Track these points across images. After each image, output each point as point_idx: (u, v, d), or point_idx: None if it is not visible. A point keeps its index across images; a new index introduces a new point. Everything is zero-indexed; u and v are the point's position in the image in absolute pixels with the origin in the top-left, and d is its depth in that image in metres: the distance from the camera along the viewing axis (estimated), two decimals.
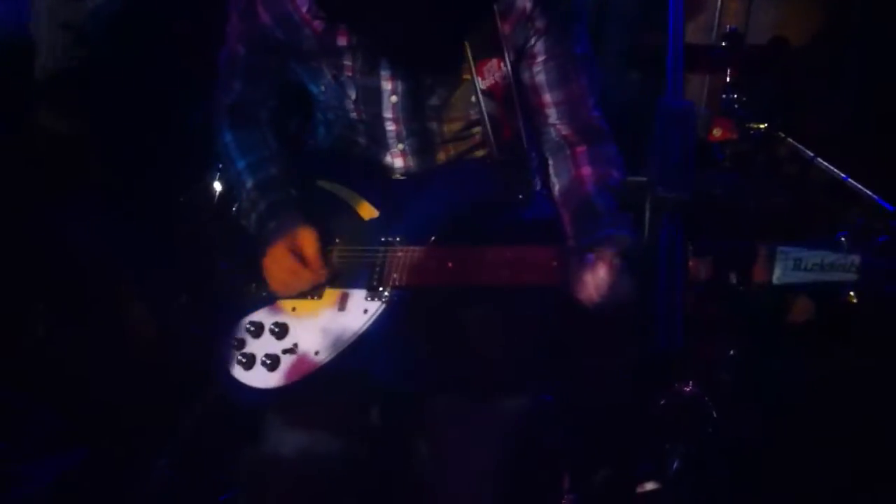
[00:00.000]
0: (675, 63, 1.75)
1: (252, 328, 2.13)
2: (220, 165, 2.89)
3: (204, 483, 2.89)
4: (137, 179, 3.45)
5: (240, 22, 2.20)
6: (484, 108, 2.09)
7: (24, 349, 3.35)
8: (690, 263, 1.81)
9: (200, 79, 2.46)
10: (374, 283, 2.08)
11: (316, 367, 2.06)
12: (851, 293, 1.73)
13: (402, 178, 2.22)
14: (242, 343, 2.14)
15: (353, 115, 2.20)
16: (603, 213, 2.04)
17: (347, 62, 2.12)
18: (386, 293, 2.06)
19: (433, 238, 2.07)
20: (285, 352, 2.09)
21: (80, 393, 3.15)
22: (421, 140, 2.19)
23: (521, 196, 2.11)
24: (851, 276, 1.72)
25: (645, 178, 1.79)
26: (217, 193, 3.07)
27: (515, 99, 2.10)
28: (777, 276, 1.77)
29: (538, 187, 2.24)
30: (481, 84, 2.07)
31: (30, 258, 3.23)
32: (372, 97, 2.15)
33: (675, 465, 3.01)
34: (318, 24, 2.09)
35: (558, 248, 1.97)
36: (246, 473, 2.25)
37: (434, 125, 2.18)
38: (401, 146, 2.20)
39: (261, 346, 2.12)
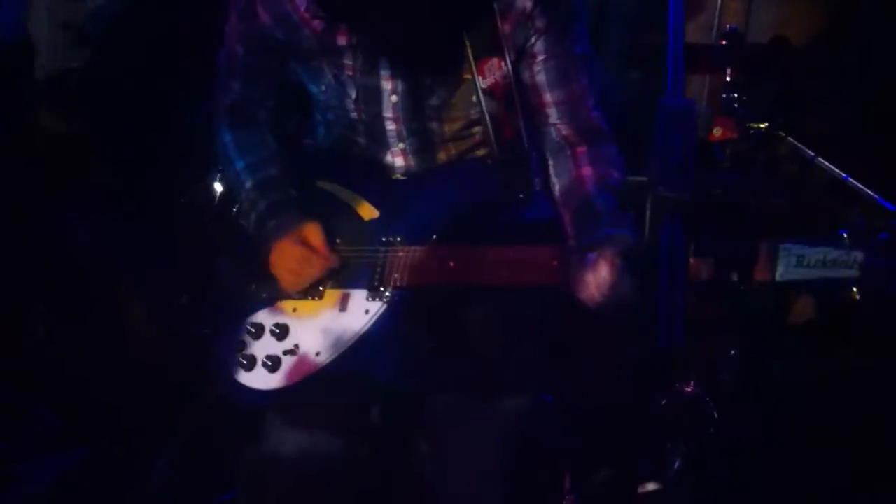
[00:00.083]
0: (675, 63, 1.75)
1: (253, 330, 2.13)
2: (220, 166, 2.89)
3: (204, 483, 2.89)
4: (137, 179, 3.45)
5: (239, 22, 2.20)
6: (484, 108, 2.09)
7: (24, 349, 3.35)
8: (691, 263, 1.81)
9: (200, 79, 2.45)
10: (375, 284, 2.07)
11: (317, 368, 2.06)
12: (854, 289, 1.73)
13: (403, 177, 2.22)
14: (243, 345, 2.13)
15: (354, 114, 2.19)
16: (603, 213, 2.04)
17: (347, 61, 2.12)
18: (387, 293, 2.06)
19: (434, 238, 2.07)
20: (286, 353, 2.09)
21: (80, 393, 3.15)
22: (421, 139, 2.19)
23: (521, 195, 2.10)
24: (854, 273, 1.72)
25: (645, 178, 1.79)
26: (217, 194, 3.07)
27: (516, 98, 2.09)
28: (780, 273, 1.77)
29: (538, 187, 2.24)
30: (482, 83, 2.07)
31: (30, 258, 3.23)
32: (372, 96, 2.14)
33: (676, 465, 3.01)
34: (317, 24, 2.09)
35: (559, 248, 1.97)
36: (246, 473, 2.25)
37: (434, 124, 2.18)
38: (401, 145, 2.20)
39: (262, 348, 2.12)
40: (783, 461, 3.07)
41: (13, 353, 3.27)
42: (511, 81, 2.08)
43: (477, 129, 2.18)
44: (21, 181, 3.26)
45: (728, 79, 3.48)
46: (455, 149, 2.21)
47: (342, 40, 2.09)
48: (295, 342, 2.09)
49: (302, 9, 2.09)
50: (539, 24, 2.08)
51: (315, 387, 2.06)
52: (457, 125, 2.18)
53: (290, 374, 2.08)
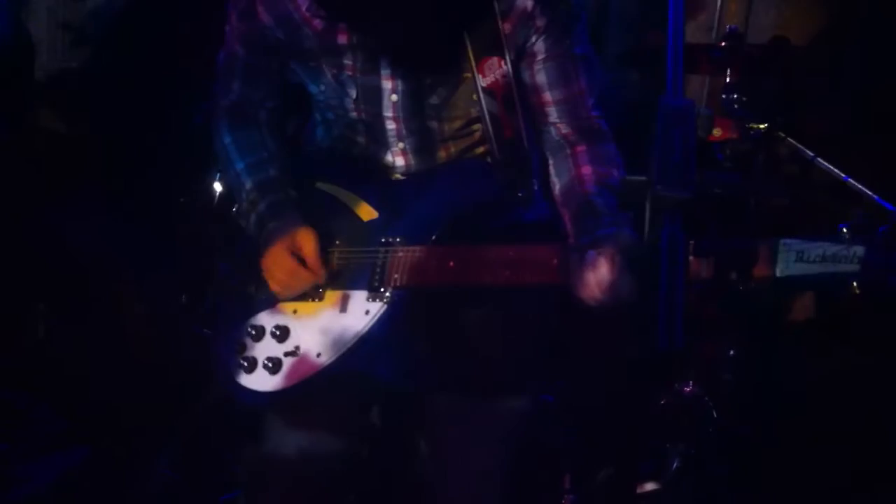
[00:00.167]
0: (675, 63, 1.75)
1: (253, 332, 2.13)
2: (220, 166, 2.89)
3: (204, 483, 2.89)
4: (137, 180, 3.46)
5: (239, 22, 2.19)
6: (485, 107, 2.09)
7: (24, 349, 3.35)
8: (691, 262, 1.81)
9: (200, 79, 2.45)
10: (376, 284, 2.07)
11: (318, 369, 2.05)
12: (854, 284, 1.73)
13: (402, 177, 2.22)
14: (244, 347, 2.13)
15: (353, 114, 2.19)
16: (603, 213, 2.03)
17: (348, 61, 2.12)
18: (387, 294, 2.06)
19: (434, 237, 2.06)
20: (287, 354, 2.09)
21: (81, 393, 3.15)
22: (421, 138, 2.19)
23: (521, 194, 2.10)
24: (854, 268, 1.72)
25: (645, 178, 1.79)
26: (217, 194, 3.08)
27: (516, 97, 2.09)
28: (780, 269, 1.77)
29: (538, 186, 2.24)
30: (482, 82, 2.07)
31: (30, 258, 3.23)
32: (372, 96, 2.14)
33: (676, 464, 3.01)
34: (318, 23, 2.09)
35: (559, 246, 1.97)
36: (246, 473, 2.25)
37: (434, 123, 2.18)
38: (401, 145, 2.19)
39: (262, 350, 2.11)
40: (782, 461, 3.08)
41: (13, 353, 3.27)
42: (511, 81, 2.08)
43: (477, 127, 2.18)
44: (21, 181, 3.26)
45: (728, 79, 3.47)
46: (455, 147, 2.21)
47: (342, 39, 2.09)
48: (296, 344, 2.09)
49: (303, 8, 2.09)
50: (539, 23, 2.08)
51: (315, 387, 2.06)
52: (457, 124, 2.18)
53: (291, 375, 2.07)
